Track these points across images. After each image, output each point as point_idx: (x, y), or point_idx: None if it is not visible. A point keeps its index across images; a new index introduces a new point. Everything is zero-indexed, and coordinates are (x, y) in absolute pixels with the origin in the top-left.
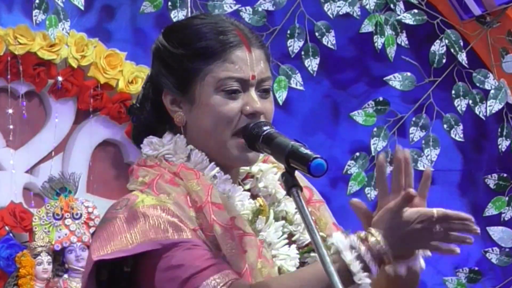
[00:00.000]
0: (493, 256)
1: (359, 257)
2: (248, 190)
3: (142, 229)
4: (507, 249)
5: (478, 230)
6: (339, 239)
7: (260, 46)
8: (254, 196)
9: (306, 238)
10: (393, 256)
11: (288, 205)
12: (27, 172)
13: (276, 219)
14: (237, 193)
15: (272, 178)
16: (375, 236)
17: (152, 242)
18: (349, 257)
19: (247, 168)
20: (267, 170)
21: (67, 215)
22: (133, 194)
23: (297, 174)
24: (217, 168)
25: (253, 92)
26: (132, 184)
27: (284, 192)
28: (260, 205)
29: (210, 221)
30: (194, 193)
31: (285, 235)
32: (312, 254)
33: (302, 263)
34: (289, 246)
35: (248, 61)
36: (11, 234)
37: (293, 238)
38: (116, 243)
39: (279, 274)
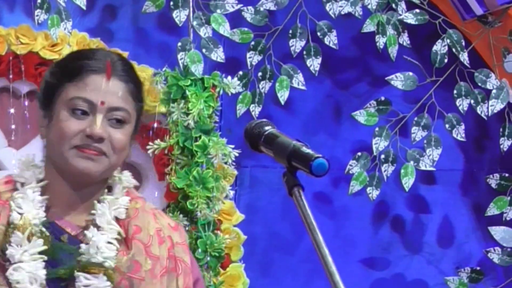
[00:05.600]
0: (495, 256)
1: None
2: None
3: None
4: (509, 249)
5: None
6: None
7: (125, 79)
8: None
9: None
10: None
11: None
12: None
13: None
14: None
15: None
16: None
17: None
18: None
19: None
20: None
21: None
22: None
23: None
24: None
25: (98, 117)
26: None
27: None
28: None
29: None
30: None
31: None
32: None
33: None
34: None
35: (102, 87)
36: None
37: None
38: None
39: None
